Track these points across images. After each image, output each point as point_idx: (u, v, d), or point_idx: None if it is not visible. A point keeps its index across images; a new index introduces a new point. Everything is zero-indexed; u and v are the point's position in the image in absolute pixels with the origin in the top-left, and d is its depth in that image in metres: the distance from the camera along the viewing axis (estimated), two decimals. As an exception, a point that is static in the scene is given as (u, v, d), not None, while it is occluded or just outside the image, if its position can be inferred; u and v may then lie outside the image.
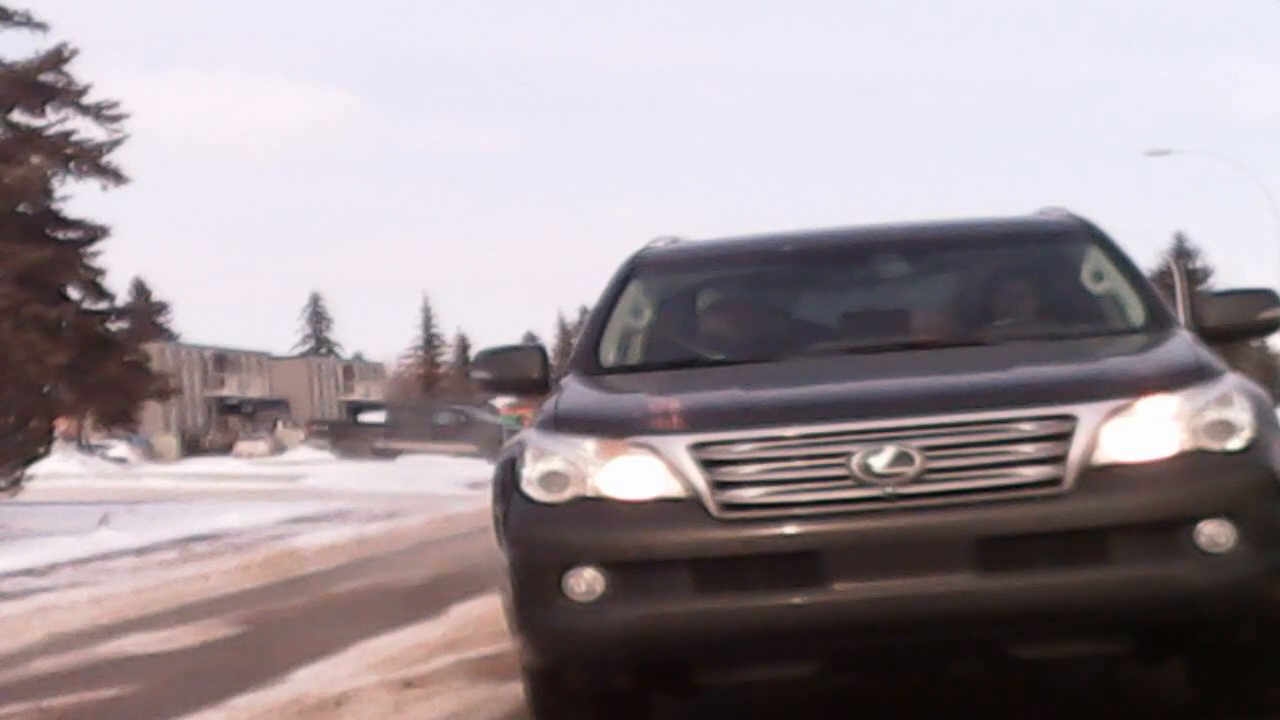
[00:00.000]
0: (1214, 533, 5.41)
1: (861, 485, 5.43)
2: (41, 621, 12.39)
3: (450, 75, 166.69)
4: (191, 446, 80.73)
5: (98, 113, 38.80)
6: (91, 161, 38.48)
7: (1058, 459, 5.43)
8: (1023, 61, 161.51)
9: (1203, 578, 5.39)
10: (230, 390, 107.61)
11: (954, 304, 7.24)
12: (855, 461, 5.44)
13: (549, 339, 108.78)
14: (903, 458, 5.43)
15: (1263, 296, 6.79)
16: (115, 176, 38.83)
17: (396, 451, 57.12)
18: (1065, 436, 5.45)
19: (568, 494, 5.67)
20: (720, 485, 5.49)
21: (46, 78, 38.32)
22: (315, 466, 50.49)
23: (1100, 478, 5.43)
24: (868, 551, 5.42)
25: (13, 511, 23.73)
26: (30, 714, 8.33)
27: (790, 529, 5.43)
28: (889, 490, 5.42)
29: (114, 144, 38.79)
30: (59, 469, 38.34)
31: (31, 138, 38.52)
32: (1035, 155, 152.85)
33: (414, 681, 8.35)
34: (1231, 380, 5.80)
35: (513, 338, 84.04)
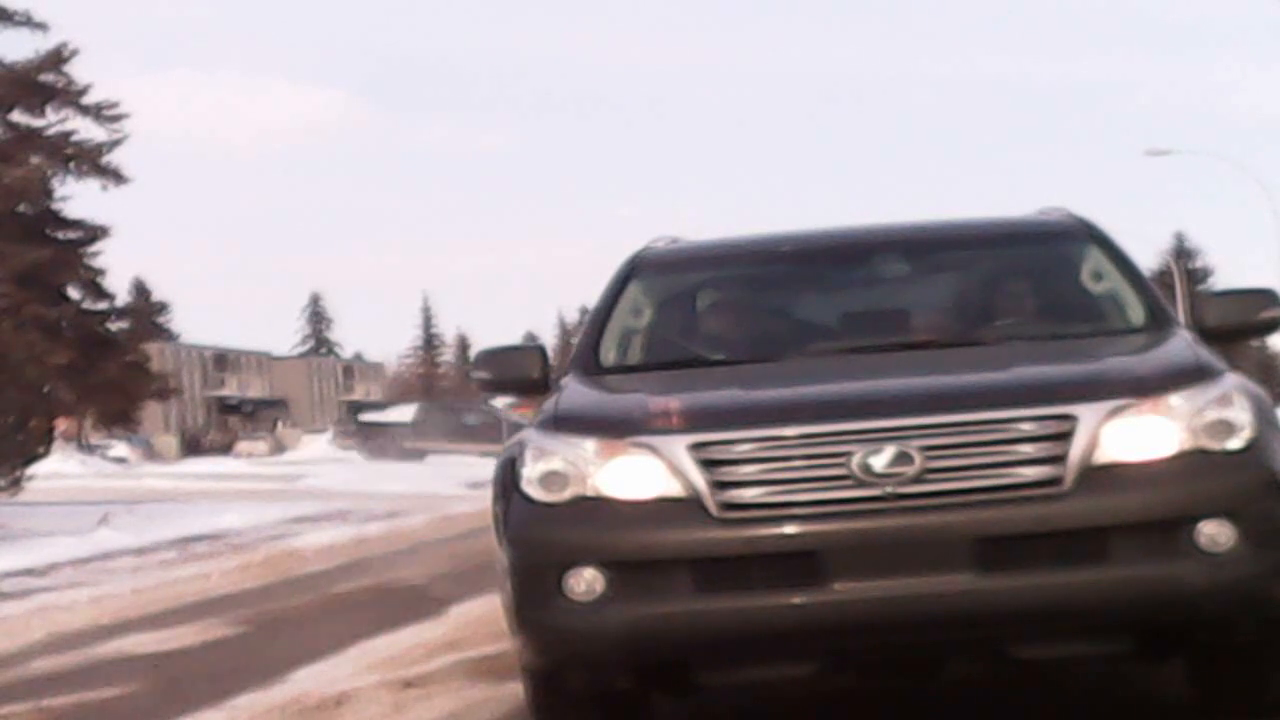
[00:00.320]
0: (1214, 533, 5.40)
1: (861, 485, 5.42)
2: (41, 621, 12.39)
3: (450, 75, 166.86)
4: (191, 446, 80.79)
5: (98, 113, 38.86)
6: (91, 161, 38.53)
7: (1058, 459, 5.42)
8: (1023, 61, 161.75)
9: (1203, 578, 5.38)
10: (230, 390, 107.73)
11: (954, 304, 7.23)
12: (855, 461, 5.43)
13: (549, 339, 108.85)
14: (903, 458, 5.42)
15: (1263, 296, 6.79)
16: (115, 176, 38.90)
17: (425, 451, 57.15)
18: (1065, 436, 5.44)
19: (568, 494, 5.66)
20: (720, 485, 5.48)
21: (46, 78, 38.37)
22: (315, 466, 50.51)
23: (1100, 478, 5.42)
24: (868, 551, 5.41)
25: (13, 511, 23.74)
26: (30, 714, 8.32)
27: (790, 529, 5.42)
28: (889, 490, 5.41)
29: (114, 144, 38.88)
30: (59, 469, 38.40)
31: (31, 138, 38.58)
32: (1035, 155, 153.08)
33: (414, 681, 8.35)
34: (1231, 380, 5.79)
35: (513, 338, 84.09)
